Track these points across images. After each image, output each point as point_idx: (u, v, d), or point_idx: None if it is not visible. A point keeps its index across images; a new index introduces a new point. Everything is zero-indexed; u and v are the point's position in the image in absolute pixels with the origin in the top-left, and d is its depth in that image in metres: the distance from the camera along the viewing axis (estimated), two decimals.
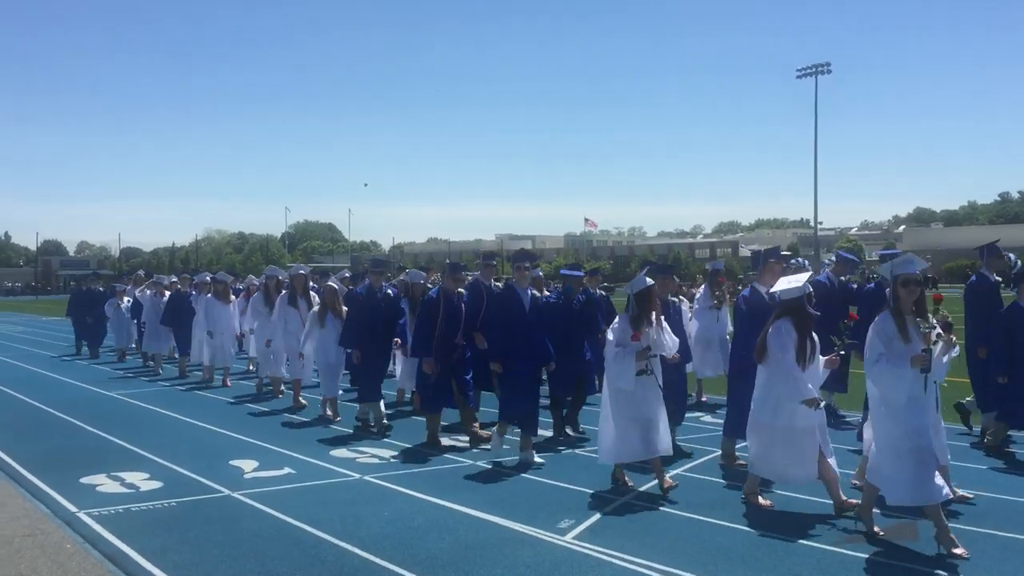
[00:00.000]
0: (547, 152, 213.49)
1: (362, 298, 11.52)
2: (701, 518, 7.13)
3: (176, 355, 18.16)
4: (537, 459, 9.16)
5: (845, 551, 6.24)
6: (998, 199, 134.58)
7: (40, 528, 7.02)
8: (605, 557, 6.16)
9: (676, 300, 10.31)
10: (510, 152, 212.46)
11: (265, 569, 6.03)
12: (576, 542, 6.51)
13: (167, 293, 18.62)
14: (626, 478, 8.20)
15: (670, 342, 8.19)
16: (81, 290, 24.09)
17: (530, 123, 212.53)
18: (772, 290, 7.53)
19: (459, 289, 10.64)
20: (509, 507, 7.43)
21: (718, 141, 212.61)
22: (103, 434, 11.14)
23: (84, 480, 8.57)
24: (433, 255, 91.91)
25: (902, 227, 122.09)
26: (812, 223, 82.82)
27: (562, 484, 8.29)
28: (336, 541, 6.56)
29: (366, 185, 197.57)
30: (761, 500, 7.44)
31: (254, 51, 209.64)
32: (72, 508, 7.55)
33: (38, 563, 6.19)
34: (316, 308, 12.64)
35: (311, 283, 15.31)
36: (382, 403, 11.44)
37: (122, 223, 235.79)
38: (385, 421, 11.26)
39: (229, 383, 16.01)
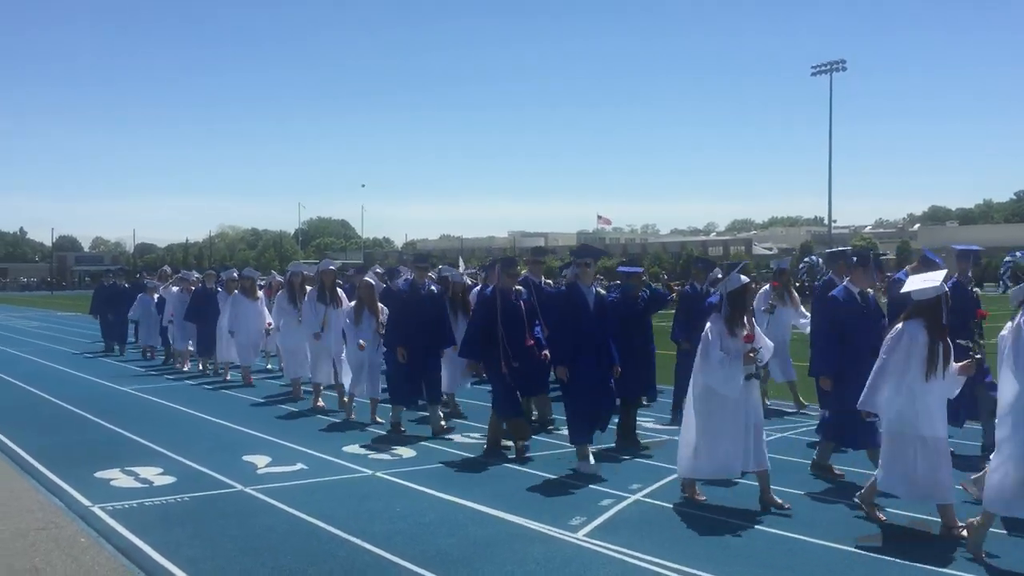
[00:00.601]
0: (560, 149, 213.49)
1: (405, 294, 10.91)
2: (714, 516, 7.13)
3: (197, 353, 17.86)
4: (597, 470, 8.49)
5: (859, 551, 6.22)
6: (1014, 197, 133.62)
7: (54, 522, 7.07)
8: (616, 554, 6.16)
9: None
10: (523, 149, 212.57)
11: (277, 564, 6.06)
12: (587, 539, 6.51)
13: (194, 289, 18.21)
14: (697, 492, 7.62)
15: (769, 344, 7.72)
16: (104, 286, 23.28)
17: (543, 120, 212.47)
18: (905, 289, 6.88)
19: (516, 287, 9.90)
20: (520, 504, 7.44)
21: (732, 139, 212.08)
22: (117, 429, 11.21)
23: (98, 474, 8.62)
24: (446, 252, 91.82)
25: (917, 225, 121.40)
26: (826, 221, 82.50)
27: (573, 481, 8.29)
28: (348, 537, 6.58)
29: (363, 186, 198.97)
30: (878, 515, 6.92)
31: (268, 48, 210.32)
32: (86, 502, 7.60)
33: (52, 556, 6.24)
34: (351, 305, 12.01)
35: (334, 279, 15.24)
36: (440, 408, 10.97)
37: (137, 219, 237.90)
38: (443, 423, 10.85)
39: (252, 380, 15.65)
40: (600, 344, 8.75)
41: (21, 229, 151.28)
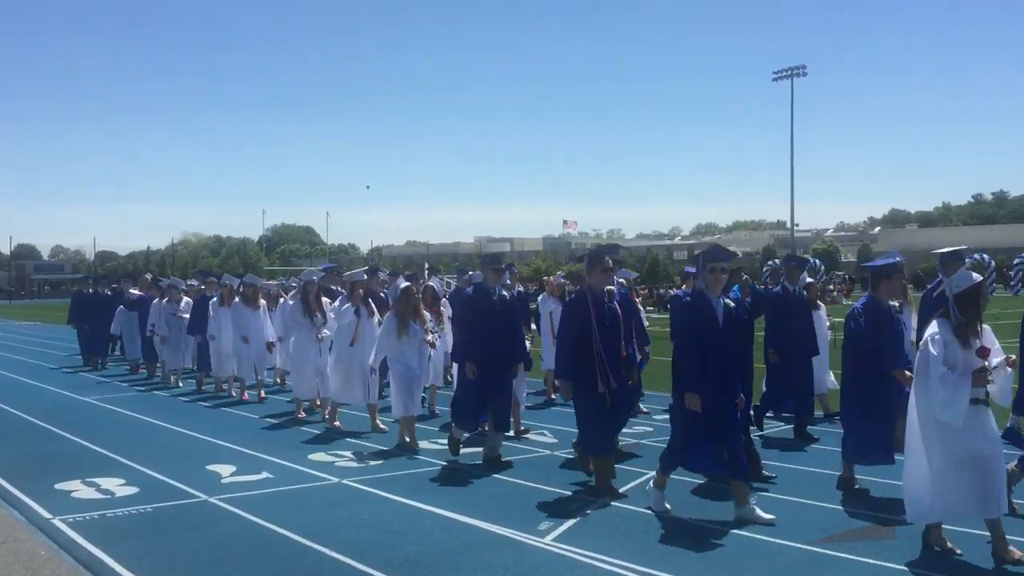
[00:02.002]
0: (524, 154, 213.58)
1: (473, 300, 9.51)
2: (682, 518, 7.15)
3: (194, 367, 16.44)
4: (763, 514, 6.96)
5: (824, 550, 6.26)
6: (971, 200, 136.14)
7: (14, 535, 6.93)
8: (585, 559, 6.16)
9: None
10: (487, 154, 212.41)
11: (242, 574, 5.98)
12: (556, 544, 6.50)
13: (184, 299, 16.95)
14: (947, 542, 6.23)
15: (1005, 365, 6.20)
16: (84, 294, 21.40)
17: (506, 125, 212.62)
18: (955, 290, 6.17)
19: (609, 287, 8.44)
20: (488, 510, 7.42)
21: (695, 143, 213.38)
22: (78, 440, 11.03)
23: (59, 486, 8.48)
24: (412, 258, 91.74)
25: (877, 228, 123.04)
26: (789, 224, 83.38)
27: (540, 486, 8.28)
28: (314, 545, 6.52)
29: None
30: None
31: (228, 54, 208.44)
32: (46, 515, 7.46)
33: (11, 570, 6.11)
34: (389, 313, 10.60)
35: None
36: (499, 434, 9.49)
37: (97, 226, 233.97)
38: (500, 455, 9.38)
39: (247, 397, 14.43)
40: (728, 368, 7.26)
41: None
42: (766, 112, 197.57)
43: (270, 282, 18.31)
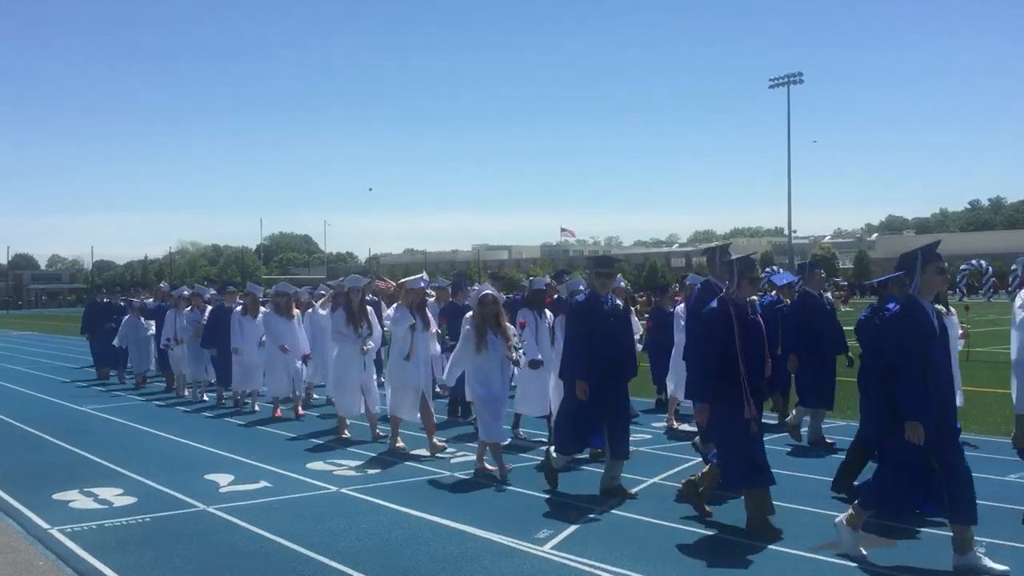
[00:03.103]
0: (522, 162, 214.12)
1: (585, 309, 8.30)
2: (681, 527, 7.14)
3: (212, 381, 15.60)
4: (993, 564, 5.89)
5: (824, 557, 6.25)
6: (968, 207, 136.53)
7: (11, 546, 6.91)
8: (584, 567, 6.14)
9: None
10: (485, 162, 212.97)
11: None
12: (555, 552, 6.49)
13: (208, 308, 15.81)
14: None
15: None
16: (97, 303, 20.54)
17: (505, 133, 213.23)
18: None
19: (753, 296, 7.52)
20: (487, 518, 7.40)
21: (693, 151, 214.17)
22: (76, 449, 11.00)
23: (56, 496, 8.45)
24: (409, 266, 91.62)
25: (875, 235, 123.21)
26: (786, 231, 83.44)
27: (539, 494, 8.26)
28: (312, 555, 6.51)
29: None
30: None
31: (225, 62, 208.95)
32: (44, 525, 7.44)
33: None
34: (468, 326, 9.31)
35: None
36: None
37: (94, 236, 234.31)
38: (633, 490, 8.26)
39: (302, 411, 13.51)
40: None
41: None
42: (763, 119, 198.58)
43: (301, 288, 16.72)
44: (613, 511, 7.64)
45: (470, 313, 9.49)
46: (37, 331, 45.99)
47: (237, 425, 12.95)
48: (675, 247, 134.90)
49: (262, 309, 14.23)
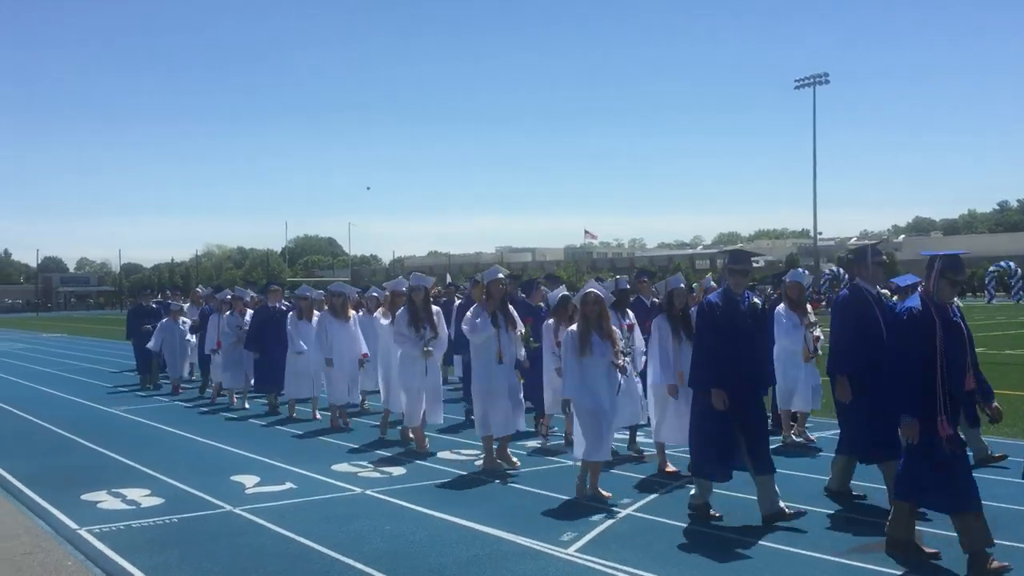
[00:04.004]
0: (546, 164, 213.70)
1: (721, 309, 7.41)
2: (706, 530, 7.11)
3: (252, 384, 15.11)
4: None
5: (853, 562, 6.20)
6: (997, 208, 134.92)
7: (41, 546, 6.99)
8: (608, 570, 6.13)
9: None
10: (509, 164, 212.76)
11: None
12: (578, 555, 6.48)
13: (248, 311, 15.39)
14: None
15: None
16: (143, 307, 19.88)
17: (528, 135, 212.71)
18: None
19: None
20: (511, 520, 7.41)
21: (717, 152, 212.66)
22: (104, 451, 11.12)
23: (85, 497, 8.55)
24: (433, 268, 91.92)
25: (901, 236, 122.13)
26: (812, 233, 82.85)
27: (563, 496, 8.25)
28: (338, 556, 6.54)
29: (368, 188, 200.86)
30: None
31: (252, 65, 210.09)
32: (73, 525, 7.53)
33: None
34: (572, 329, 8.33)
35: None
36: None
37: (122, 239, 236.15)
38: (790, 510, 7.24)
39: (348, 423, 12.71)
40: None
41: (6, 251, 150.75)
42: (788, 120, 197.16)
43: (353, 288, 15.64)
44: (637, 514, 7.62)
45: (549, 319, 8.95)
46: (66, 333, 46.52)
47: (262, 427, 13.03)
48: (699, 249, 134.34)
49: (316, 312, 13.68)
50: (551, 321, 10.34)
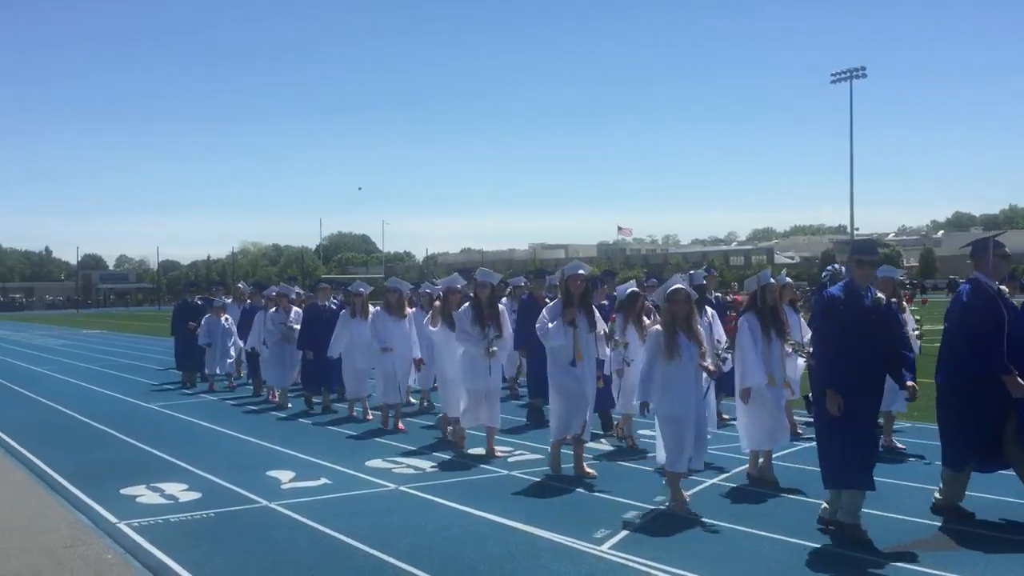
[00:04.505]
0: (580, 161, 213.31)
1: (843, 304, 6.75)
2: (740, 528, 7.06)
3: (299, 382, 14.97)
4: None
5: (889, 560, 6.14)
6: None
7: (81, 539, 7.11)
8: (642, 567, 6.11)
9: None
10: (543, 161, 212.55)
11: None
12: (612, 552, 6.47)
13: (293, 308, 15.15)
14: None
15: None
16: (188, 304, 19.54)
17: (561, 131, 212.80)
18: None
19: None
20: (545, 517, 7.41)
21: (752, 147, 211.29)
22: (142, 445, 11.27)
23: (124, 491, 8.67)
24: (466, 265, 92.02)
25: (940, 232, 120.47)
26: (848, 229, 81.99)
27: (598, 494, 8.25)
28: (372, 551, 6.58)
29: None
30: None
31: (288, 63, 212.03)
32: (112, 519, 7.64)
33: (80, 574, 6.27)
34: (656, 329, 7.78)
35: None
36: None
37: (160, 237, 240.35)
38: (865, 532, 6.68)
39: (402, 426, 12.23)
40: None
41: (47, 248, 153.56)
42: (824, 115, 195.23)
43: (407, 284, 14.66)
44: (671, 512, 7.58)
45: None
46: (105, 329, 47.18)
47: (298, 423, 13.13)
48: (734, 245, 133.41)
49: (372, 309, 13.17)
50: (618, 317, 10.00)
